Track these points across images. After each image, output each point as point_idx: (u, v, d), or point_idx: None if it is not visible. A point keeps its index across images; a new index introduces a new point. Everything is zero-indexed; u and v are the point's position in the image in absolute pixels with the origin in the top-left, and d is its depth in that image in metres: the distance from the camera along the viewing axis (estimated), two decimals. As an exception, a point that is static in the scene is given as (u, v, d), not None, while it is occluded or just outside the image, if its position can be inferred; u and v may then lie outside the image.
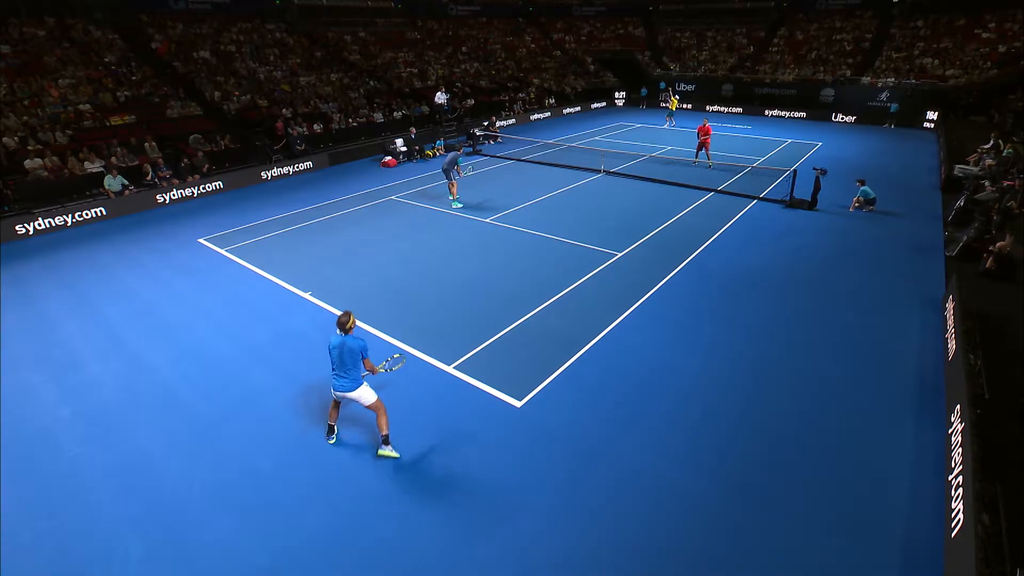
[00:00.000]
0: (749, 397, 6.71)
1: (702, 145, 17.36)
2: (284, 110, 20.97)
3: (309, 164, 19.39)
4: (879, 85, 29.74)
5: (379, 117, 23.49)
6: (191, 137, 17.47)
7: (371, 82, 26.06)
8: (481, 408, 6.39)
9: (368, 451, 6.03)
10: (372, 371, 5.81)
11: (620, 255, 10.51)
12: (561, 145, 22.19)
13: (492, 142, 23.41)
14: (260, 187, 17.05)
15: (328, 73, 25.29)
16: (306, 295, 9.52)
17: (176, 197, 15.27)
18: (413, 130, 20.67)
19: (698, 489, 5.45)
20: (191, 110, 18.91)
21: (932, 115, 26.37)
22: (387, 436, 5.83)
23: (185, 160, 16.01)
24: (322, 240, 12.05)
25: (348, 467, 5.78)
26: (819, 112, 30.22)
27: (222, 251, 10.94)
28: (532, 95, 32.10)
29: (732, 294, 9.41)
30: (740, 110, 32.85)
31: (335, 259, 10.93)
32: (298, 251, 11.45)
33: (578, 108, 33.92)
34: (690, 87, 36.50)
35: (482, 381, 7.18)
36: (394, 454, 5.81)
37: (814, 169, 14.29)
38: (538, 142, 23.03)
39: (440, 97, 22.42)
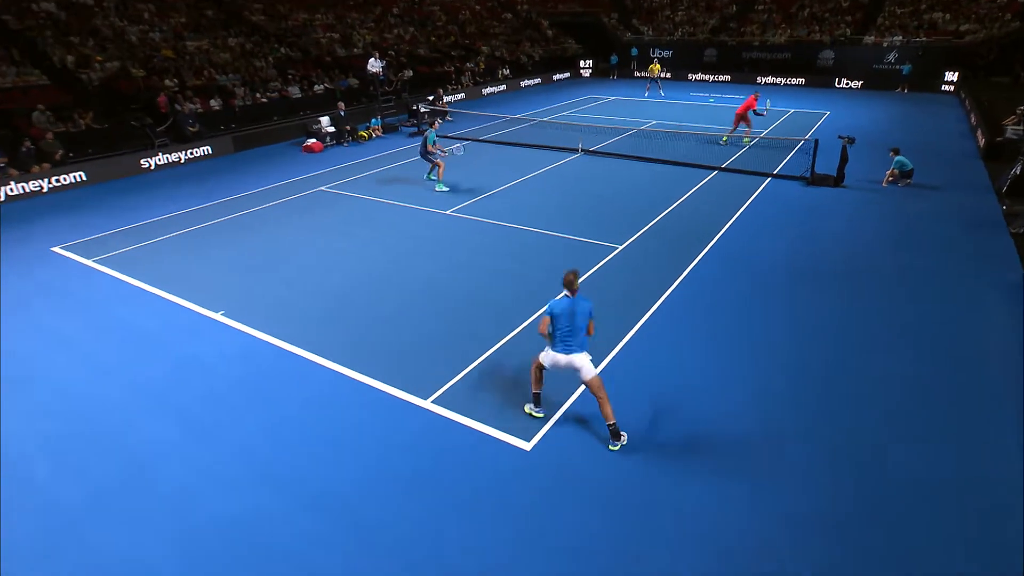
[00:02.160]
0: (821, 413, 6.20)
1: (742, 117, 17.49)
2: (168, 81, 19.66)
3: (207, 150, 18.38)
4: (885, 45, 30.89)
5: (295, 92, 22.52)
6: (34, 114, 15.93)
7: (282, 49, 25.06)
8: (477, 456, 5.67)
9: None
10: (590, 332, 5.99)
11: (621, 248, 10.34)
12: (528, 122, 22.16)
13: (440, 120, 22.86)
14: (140, 179, 16.28)
15: (224, 37, 24.03)
16: (217, 315, 8.56)
17: (16, 193, 14.06)
18: (342, 106, 19.81)
19: (796, 554, 4.84)
20: (32, 79, 17.29)
21: (951, 76, 27.48)
22: (615, 425, 5.93)
23: (28, 144, 14.70)
24: (233, 244, 11.22)
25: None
26: (819, 78, 31.21)
27: (88, 262, 10.21)
28: (481, 65, 31.97)
29: (768, 288, 9.14)
30: (728, 78, 33.56)
31: (252, 267, 10.18)
32: (200, 259, 10.55)
33: (537, 80, 34.10)
34: (666, 53, 37.12)
35: (473, 418, 6.42)
36: (621, 442, 5.99)
37: (840, 138, 14.36)
38: (501, 117, 22.89)
39: (374, 64, 21.63)
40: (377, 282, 9.54)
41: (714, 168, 15.50)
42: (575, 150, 17.47)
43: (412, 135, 20.73)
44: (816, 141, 14.34)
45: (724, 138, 17.60)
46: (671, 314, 8.41)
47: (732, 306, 8.64)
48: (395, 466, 5.76)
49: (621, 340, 7.79)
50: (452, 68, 29.96)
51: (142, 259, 10.67)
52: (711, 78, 34.07)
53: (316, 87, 23.22)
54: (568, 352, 5.97)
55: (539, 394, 6.34)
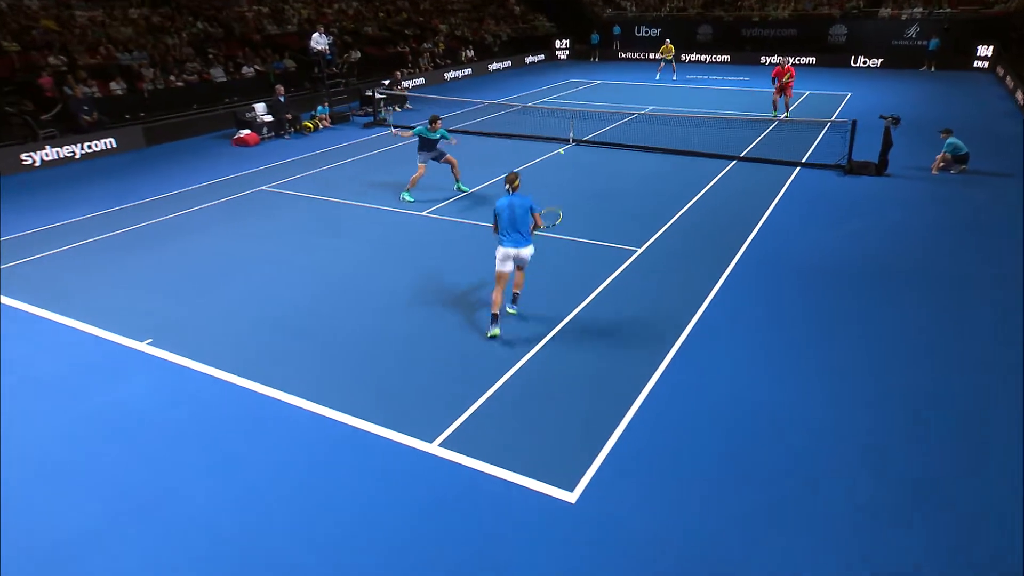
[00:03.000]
0: (936, 462, 5.86)
1: (782, 90, 19.45)
2: (52, 59, 18.77)
3: (110, 143, 17.65)
4: (904, 18, 31.96)
5: (219, 74, 21.89)
6: None
7: (199, 24, 24.44)
8: (509, 512, 5.22)
9: None
10: (537, 226, 7.91)
11: (641, 251, 10.33)
12: (507, 108, 22.18)
13: (398, 108, 23.10)
14: (22, 179, 15.64)
15: (124, 7, 23.26)
16: (143, 345, 7.92)
17: None
18: (281, 91, 19.27)
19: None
20: None
21: (984, 51, 28.39)
22: (518, 295, 8.41)
23: None
24: (154, 256, 10.70)
25: None
26: (832, 56, 32.13)
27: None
28: (441, 46, 32.03)
29: (823, 295, 8.99)
30: (727, 58, 34.21)
31: (185, 283, 9.69)
32: (112, 275, 9.92)
33: (507, 63, 34.48)
34: (654, 32, 37.80)
35: (496, 464, 5.90)
36: (514, 311, 8.42)
37: (883, 119, 14.47)
38: (474, 104, 22.92)
39: (318, 40, 21.22)
40: (347, 298, 9.13)
41: (732, 158, 15.70)
42: (565, 140, 17.53)
43: (368, 125, 20.54)
44: (854, 123, 14.40)
45: (785, 115, 19.62)
46: (714, 331, 8.10)
47: (786, 318, 8.40)
48: (409, 538, 5.15)
49: (659, 365, 7.41)
50: (407, 49, 29.96)
51: (33, 277, 9.91)
52: (707, 58, 34.67)
53: (245, 69, 22.66)
54: (515, 245, 7.90)
55: (497, 315, 7.94)
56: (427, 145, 12.68)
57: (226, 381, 7.27)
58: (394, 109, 22.77)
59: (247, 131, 18.62)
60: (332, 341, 8.04)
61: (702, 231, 11.11)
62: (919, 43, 30.60)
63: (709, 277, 9.47)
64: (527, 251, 8.01)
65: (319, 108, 20.73)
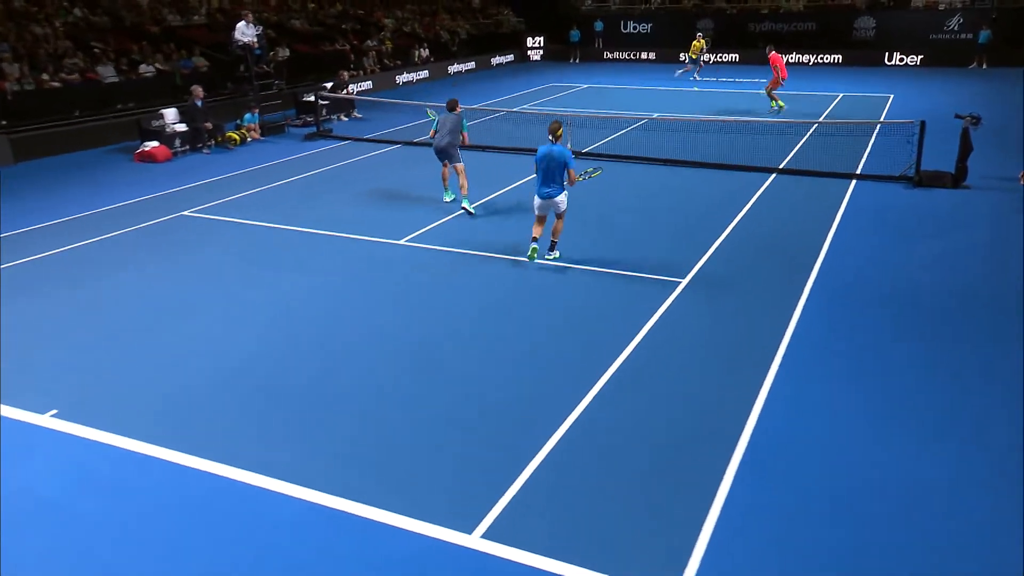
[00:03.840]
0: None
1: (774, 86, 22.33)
2: None
3: None
4: (942, 8, 33.36)
5: (109, 73, 21.45)
6: None
7: (75, 11, 24.04)
8: None
9: None
10: (572, 181, 10.35)
11: (686, 282, 10.42)
12: (485, 115, 22.38)
13: (344, 117, 23.09)
14: None
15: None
16: (45, 418, 7.35)
17: None
18: (199, 94, 18.85)
19: None
20: None
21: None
22: (556, 242, 10.93)
23: None
24: (49, 305, 10.23)
25: None
26: (860, 53, 33.31)
27: None
28: (388, 44, 32.21)
29: (918, 331, 8.89)
30: (735, 58, 35.21)
31: (96, 337, 9.25)
32: None
33: (471, 64, 35.10)
34: (644, 27, 39.02)
35: (558, 558, 5.46)
36: (556, 254, 10.97)
37: (959, 118, 14.60)
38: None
39: (245, 32, 20.91)
40: (321, 348, 8.78)
41: (770, 170, 15.94)
42: None
43: (310, 137, 20.39)
44: (923, 124, 14.57)
45: (779, 104, 22.35)
46: (805, 383, 7.85)
47: (884, 361, 8.24)
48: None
49: (743, 426, 7.08)
50: (347, 47, 30.17)
51: None
52: (711, 58, 35.50)
53: (143, 68, 22.31)
54: (546, 196, 10.48)
55: (537, 238, 10.81)
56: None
57: (167, 460, 6.65)
58: (339, 118, 22.68)
59: (154, 143, 18.23)
60: (311, 403, 7.55)
61: (755, 256, 11.27)
62: (963, 36, 31.93)
63: (779, 312, 9.36)
64: (560, 199, 10.55)
65: (246, 116, 20.41)
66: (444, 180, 14.10)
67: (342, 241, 12.22)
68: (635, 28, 38.71)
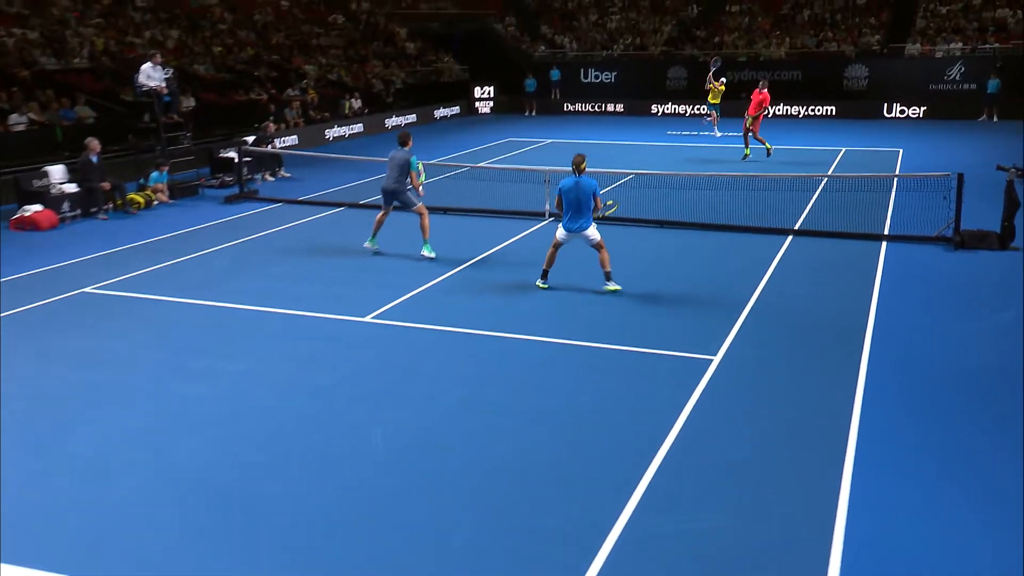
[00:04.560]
0: None
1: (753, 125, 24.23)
2: None
3: None
4: (939, 55, 35.02)
5: None
6: None
7: None
8: None
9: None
10: (598, 208, 12.21)
11: (719, 359, 10.47)
12: (444, 173, 22.64)
13: (271, 176, 23.20)
14: None
15: None
16: None
17: None
18: (95, 146, 18.44)
19: None
20: None
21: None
22: (609, 272, 12.45)
23: None
24: None
25: None
26: (855, 105, 34.63)
27: None
28: (312, 94, 32.60)
29: (1003, 413, 8.94)
30: (712, 115, 36.06)
31: None
32: None
33: (411, 117, 35.75)
34: (607, 76, 40.17)
35: None
36: (617, 287, 12.46)
37: (1002, 170, 14.87)
38: (380, 164, 22.66)
39: (152, 75, 20.70)
40: (283, 455, 8.33)
41: (785, 231, 16.23)
42: (538, 215, 17.86)
43: (231, 200, 20.19)
44: (960, 177, 14.87)
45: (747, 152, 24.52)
46: (890, 483, 7.70)
47: (972, 452, 8.20)
48: None
49: (828, 553, 6.81)
50: (264, 96, 30.35)
51: None
52: (687, 110, 36.60)
53: (13, 119, 21.88)
54: (579, 228, 12.10)
55: (548, 271, 12.67)
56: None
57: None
58: (264, 177, 22.54)
59: (37, 207, 17.71)
60: (282, 524, 7.00)
61: (792, 331, 11.48)
62: (966, 87, 33.48)
63: (837, 398, 9.27)
64: (591, 231, 12.14)
65: (152, 175, 20.05)
66: (376, 225, 14.72)
67: (296, 320, 12.09)
68: (597, 77, 39.70)
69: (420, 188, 14.56)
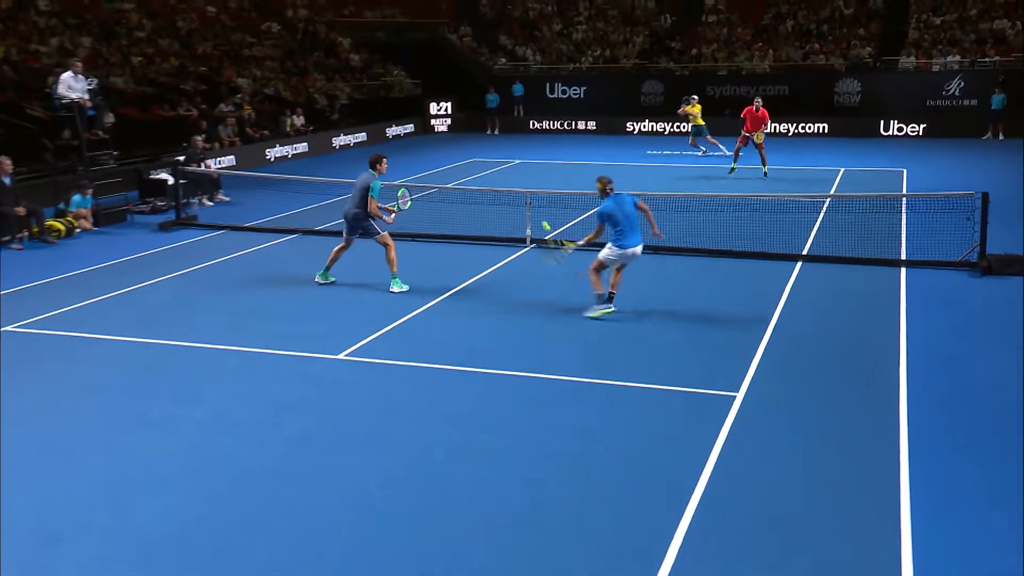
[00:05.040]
0: None
1: (746, 141, 26.04)
2: None
3: None
4: (935, 68, 35.81)
5: None
6: None
7: None
8: None
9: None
10: (646, 211, 13.42)
11: (743, 395, 10.54)
12: (415, 195, 22.26)
13: (208, 200, 23.11)
14: None
15: None
16: None
17: None
18: (6, 166, 18.11)
19: None
20: None
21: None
22: (615, 295, 13.30)
23: None
24: None
25: None
26: (847, 121, 35.37)
27: None
28: (248, 110, 32.62)
29: None
30: (708, 138, 36.47)
31: None
32: None
33: (361, 136, 36.00)
34: (576, 91, 40.69)
35: None
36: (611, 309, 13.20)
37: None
38: (343, 185, 22.70)
39: (73, 86, 20.45)
40: (266, 514, 8.15)
41: (793, 257, 16.41)
42: (519, 242, 17.99)
43: (167, 226, 20.04)
44: (985, 197, 15.10)
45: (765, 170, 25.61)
46: (957, 534, 7.65)
47: None
48: None
49: None
50: (194, 112, 30.25)
51: None
52: (666, 128, 37.11)
53: None
54: (637, 244, 12.76)
55: (607, 293, 13.11)
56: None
57: None
58: (201, 201, 22.34)
59: None
60: None
61: (818, 363, 11.64)
62: (967, 103, 34.34)
63: (879, 434, 9.33)
64: (640, 247, 12.94)
65: (75, 199, 19.79)
66: (332, 257, 14.90)
67: (260, 359, 12.04)
68: (564, 92, 40.09)
69: (391, 216, 14.70)
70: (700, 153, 30.56)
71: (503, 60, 42.98)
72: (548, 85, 40.44)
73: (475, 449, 9.36)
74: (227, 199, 23.28)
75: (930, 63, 36.29)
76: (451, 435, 9.68)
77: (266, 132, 31.97)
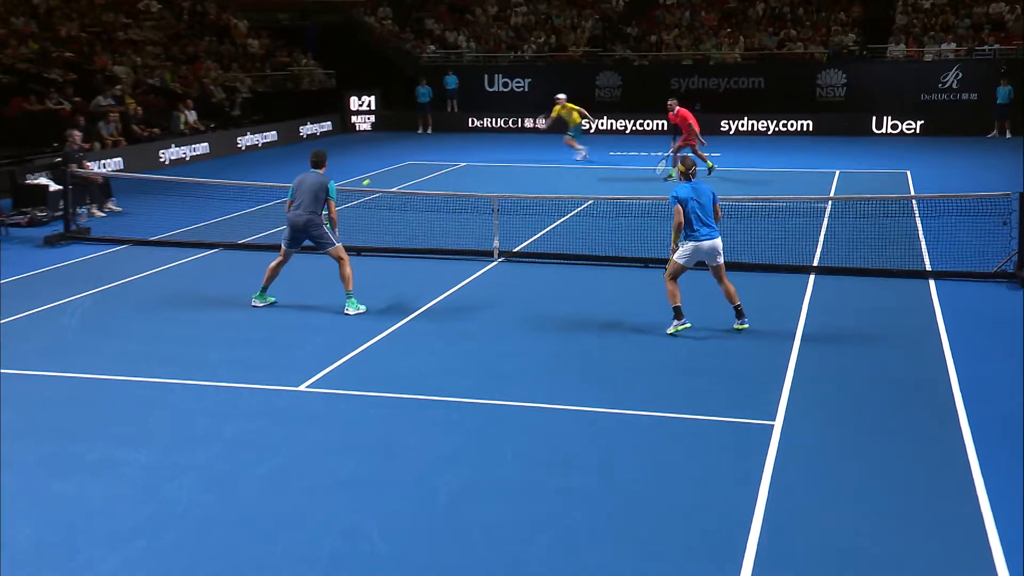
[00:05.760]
0: None
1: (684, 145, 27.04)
2: None
3: None
4: (928, 58, 36.69)
5: None
6: None
7: None
8: None
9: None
10: (719, 215, 13.53)
11: (780, 423, 10.68)
12: (354, 200, 22.77)
13: (99, 210, 22.98)
14: None
15: None
16: None
17: None
18: None
19: None
20: None
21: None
22: (740, 306, 13.63)
23: None
24: None
25: None
26: (835, 117, 36.03)
27: None
28: (131, 103, 32.34)
29: None
30: (661, 124, 36.54)
31: None
32: None
33: (271, 135, 35.90)
34: (520, 84, 40.93)
35: None
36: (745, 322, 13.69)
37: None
38: (278, 190, 22.82)
39: None
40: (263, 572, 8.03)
41: (805, 269, 16.74)
42: (486, 255, 18.06)
43: (54, 241, 19.83)
44: (1023, 197, 15.42)
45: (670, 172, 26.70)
46: None
47: None
48: None
49: None
50: (66, 106, 29.93)
51: None
52: (628, 125, 37.62)
53: None
54: (711, 236, 12.87)
55: (680, 307, 13.26)
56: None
57: None
58: (90, 211, 22.15)
59: None
60: None
61: (857, 386, 11.82)
62: (966, 96, 35.31)
63: (947, 466, 9.43)
64: (720, 242, 13.03)
65: None
66: (270, 274, 14.71)
67: (205, 393, 11.97)
68: (506, 85, 40.28)
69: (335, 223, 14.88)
70: (580, 156, 31.00)
71: (432, 47, 42.96)
72: (487, 77, 40.64)
73: (481, 487, 9.33)
74: (120, 209, 23.15)
75: (922, 52, 37.16)
76: (450, 473, 9.66)
77: (156, 130, 31.69)
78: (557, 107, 30.84)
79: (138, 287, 16.88)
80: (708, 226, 12.82)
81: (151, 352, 13.48)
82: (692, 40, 41.40)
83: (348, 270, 14.43)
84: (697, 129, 26.47)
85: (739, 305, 13.19)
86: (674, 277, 13.06)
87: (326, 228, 14.51)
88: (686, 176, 13.17)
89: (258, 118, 36.33)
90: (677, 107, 26.79)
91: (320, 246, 14.43)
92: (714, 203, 13.00)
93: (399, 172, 28.61)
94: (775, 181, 25.42)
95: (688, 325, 13.07)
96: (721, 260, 13.03)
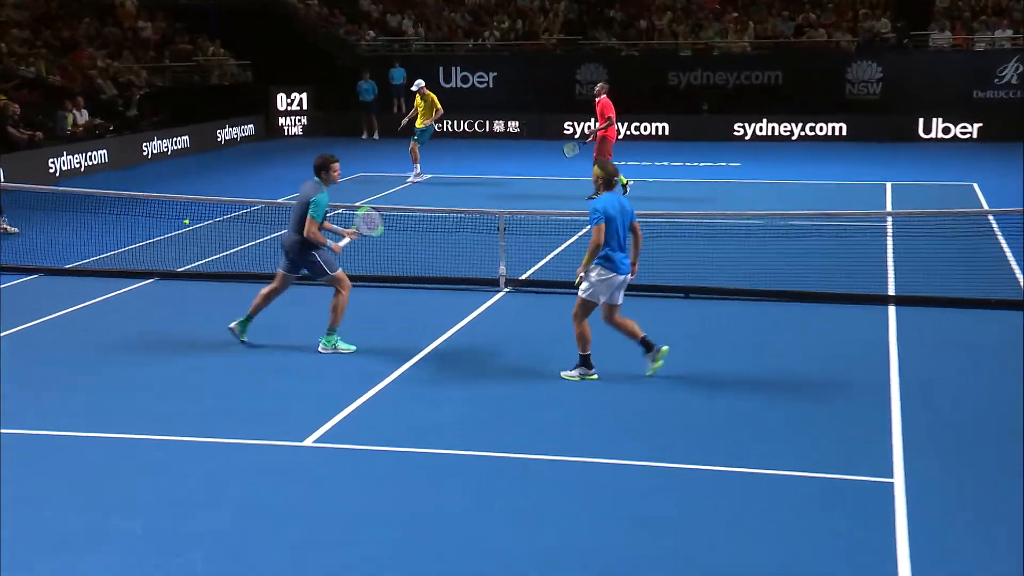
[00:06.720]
0: None
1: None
2: None
3: None
4: (979, 47, 37.08)
5: None
6: None
7: None
8: None
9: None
10: (638, 235, 13.27)
11: (902, 480, 10.69)
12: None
13: (7, 226, 23.38)
14: None
15: None
16: None
17: None
18: None
19: None
20: None
21: None
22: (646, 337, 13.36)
23: None
24: None
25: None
26: (872, 120, 36.47)
27: None
28: (2, 98, 32.22)
29: None
30: (663, 129, 37.72)
31: None
32: None
33: (183, 141, 35.82)
34: (482, 79, 41.27)
35: None
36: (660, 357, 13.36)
37: None
38: (253, 204, 22.64)
39: None
40: None
41: (884, 299, 17.14)
42: (491, 284, 18.25)
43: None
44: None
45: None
46: None
47: None
48: None
49: None
50: None
51: None
52: (621, 129, 36.41)
53: None
54: (626, 268, 12.76)
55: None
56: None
57: None
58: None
59: None
60: None
61: (979, 435, 12.01)
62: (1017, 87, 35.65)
63: None
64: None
65: None
66: (259, 301, 14.94)
67: (193, 450, 12.05)
68: (466, 80, 40.59)
69: (343, 244, 15.14)
70: (411, 179, 30.70)
71: (371, 33, 43.01)
72: (441, 70, 40.71)
73: (564, 555, 9.25)
74: (14, 230, 23.34)
75: (972, 40, 37.67)
76: (504, 537, 9.73)
77: (39, 133, 31.45)
78: (429, 97, 30.44)
79: (69, 326, 16.95)
80: (625, 256, 12.69)
81: (108, 403, 13.46)
82: (691, 26, 41.76)
83: (341, 301, 14.55)
84: (612, 139, 27.20)
85: (643, 336, 13.02)
86: (586, 316, 12.90)
87: (324, 251, 14.59)
88: (608, 185, 12.93)
89: (160, 119, 36.25)
90: (604, 95, 26.98)
91: (315, 273, 14.51)
92: (633, 221, 12.78)
93: (347, 188, 28.13)
94: (812, 196, 25.58)
95: (595, 377, 13.12)
96: (620, 300, 12.98)
